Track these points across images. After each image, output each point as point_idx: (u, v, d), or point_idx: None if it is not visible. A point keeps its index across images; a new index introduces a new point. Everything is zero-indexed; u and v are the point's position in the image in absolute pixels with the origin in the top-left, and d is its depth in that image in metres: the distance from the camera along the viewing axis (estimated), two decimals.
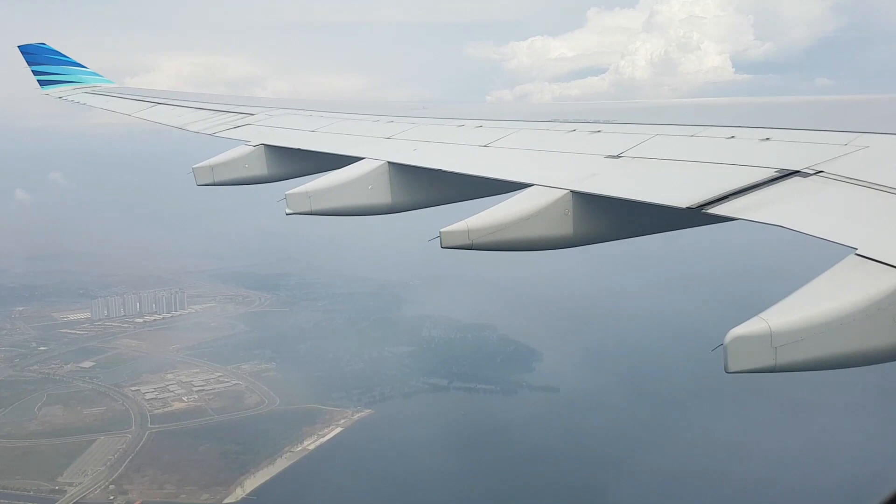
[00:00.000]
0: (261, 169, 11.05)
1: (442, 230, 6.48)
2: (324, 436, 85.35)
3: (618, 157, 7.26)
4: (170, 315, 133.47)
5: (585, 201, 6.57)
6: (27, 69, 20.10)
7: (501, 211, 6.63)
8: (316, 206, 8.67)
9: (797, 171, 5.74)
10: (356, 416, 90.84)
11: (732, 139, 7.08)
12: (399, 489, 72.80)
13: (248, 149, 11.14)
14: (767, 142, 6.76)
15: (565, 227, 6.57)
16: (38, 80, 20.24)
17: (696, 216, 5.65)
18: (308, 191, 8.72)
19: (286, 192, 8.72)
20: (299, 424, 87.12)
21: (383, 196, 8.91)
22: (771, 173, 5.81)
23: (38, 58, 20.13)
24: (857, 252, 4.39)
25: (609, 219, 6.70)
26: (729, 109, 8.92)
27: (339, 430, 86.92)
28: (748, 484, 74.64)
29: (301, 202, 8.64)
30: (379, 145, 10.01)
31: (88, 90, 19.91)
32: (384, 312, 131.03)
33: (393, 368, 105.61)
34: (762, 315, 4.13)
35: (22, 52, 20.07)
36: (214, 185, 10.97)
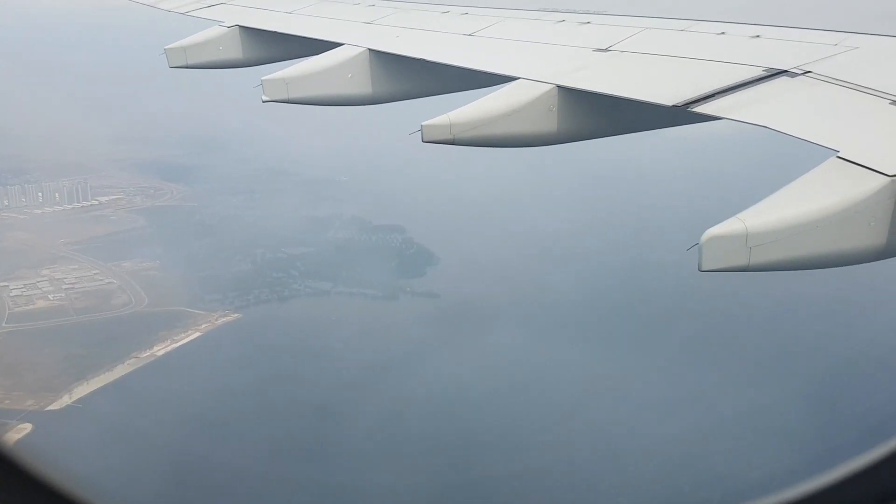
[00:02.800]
0: (236, 52, 10.65)
1: (423, 124, 6.39)
2: (178, 341, 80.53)
3: (606, 50, 7.11)
4: (70, 206, 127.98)
5: (571, 97, 6.48)
6: None
7: (485, 105, 6.54)
8: (294, 94, 8.45)
9: (785, 71, 5.69)
10: (220, 321, 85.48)
11: (723, 35, 6.95)
12: (229, 398, 71.98)
13: (223, 30, 10.69)
14: (757, 39, 6.66)
15: (550, 124, 6.51)
16: None
17: (682, 114, 5.62)
18: (285, 77, 8.48)
19: (262, 78, 8.47)
20: (158, 328, 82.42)
21: (363, 86, 8.68)
22: (759, 72, 5.76)
23: None
24: (839, 155, 4.43)
25: (595, 116, 6.64)
26: (720, 4, 8.70)
27: (196, 335, 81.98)
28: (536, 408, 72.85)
29: (278, 89, 8.42)
30: (359, 31, 9.66)
31: None
32: (297, 210, 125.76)
33: (281, 270, 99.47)
34: (739, 216, 4.21)
35: None
36: (188, 67, 10.60)
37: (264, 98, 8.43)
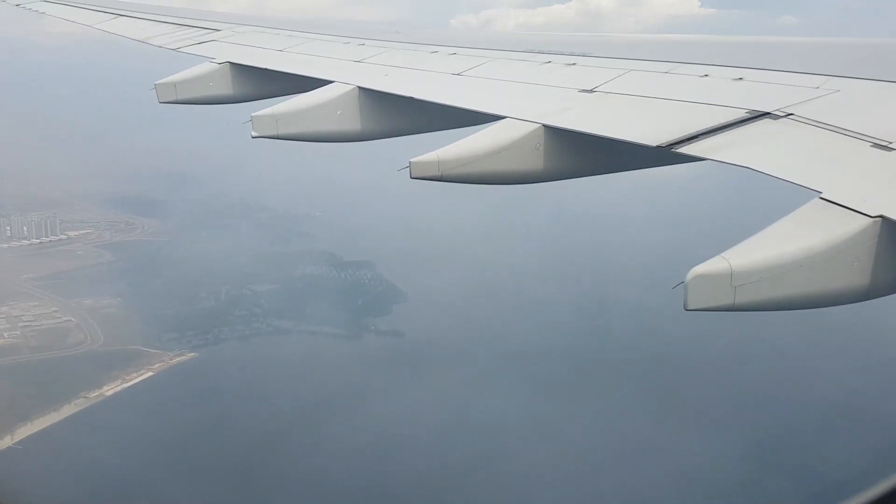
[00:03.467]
0: (226, 88, 10.71)
1: (412, 160, 6.42)
2: (128, 381, 79.15)
3: (591, 91, 7.21)
4: (38, 241, 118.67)
5: (557, 136, 6.55)
6: None
7: (472, 143, 6.60)
8: (283, 130, 8.48)
9: (768, 113, 5.77)
10: (174, 361, 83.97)
11: (706, 77, 7.06)
12: (170, 440, 66.74)
13: (213, 66, 10.76)
14: (740, 82, 6.76)
15: (536, 162, 6.57)
16: None
17: (666, 155, 5.68)
18: (275, 113, 8.52)
19: (252, 114, 8.50)
20: (110, 367, 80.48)
21: (353, 122, 8.74)
22: (742, 114, 5.84)
23: None
24: (822, 196, 4.47)
25: (580, 155, 6.71)
26: (703, 47, 8.85)
27: (148, 374, 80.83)
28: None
29: (268, 125, 8.45)
30: (349, 69, 9.76)
31: None
32: (267, 246, 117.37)
33: (245, 308, 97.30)
34: (724, 254, 4.23)
35: None
36: (177, 103, 10.63)
37: (254, 134, 8.45)
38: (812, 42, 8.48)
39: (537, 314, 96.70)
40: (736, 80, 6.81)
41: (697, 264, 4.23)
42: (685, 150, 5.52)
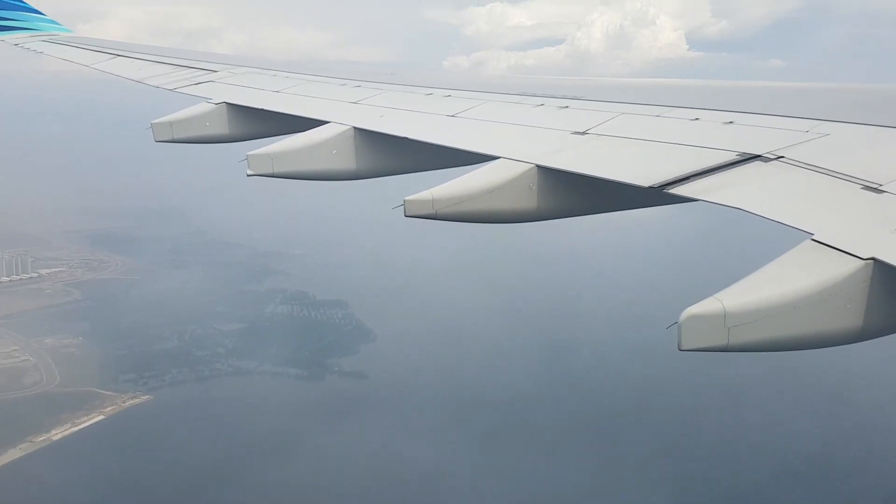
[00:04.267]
0: (222, 128, 10.79)
1: (406, 199, 6.44)
2: (78, 424, 76.65)
3: (584, 133, 7.28)
4: (8, 279, 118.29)
5: (550, 176, 6.60)
6: None
7: (467, 182, 6.63)
8: (278, 169, 8.52)
9: (759, 156, 5.83)
10: (128, 403, 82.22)
11: (697, 121, 7.14)
12: (112, 488, 65.29)
13: (210, 106, 10.86)
14: (731, 125, 6.84)
15: (530, 201, 6.60)
16: None
17: (658, 196, 5.71)
18: (271, 152, 8.55)
19: (248, 153, 8.55)
20: (61, 410, 78.31)
21: (348, 162, 8.80)
22: (733, 156, 5.89)
23: None
24: (814, 237, 4.49)
25: (573, 194, 6.75)
26: (694, 91, 8.97)
27: (100, 418, 78.45)
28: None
29: (263, 164, 8.48)
30: (345, 110, 9.85)
31: (45, 38, 19.24)
32: (241, 284, 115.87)
33: (208, 348, 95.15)
34: (717, 295, 4.22)
35: None
36: (173, 142, 10.69)
37: (249, 172, 8.48)
38: (801, 87, 8.60)
39: (504, 358, 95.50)
40: (727, 123, 6.89)
41: (690, 305, 4.21)
42: (677, 190, 5.56)
